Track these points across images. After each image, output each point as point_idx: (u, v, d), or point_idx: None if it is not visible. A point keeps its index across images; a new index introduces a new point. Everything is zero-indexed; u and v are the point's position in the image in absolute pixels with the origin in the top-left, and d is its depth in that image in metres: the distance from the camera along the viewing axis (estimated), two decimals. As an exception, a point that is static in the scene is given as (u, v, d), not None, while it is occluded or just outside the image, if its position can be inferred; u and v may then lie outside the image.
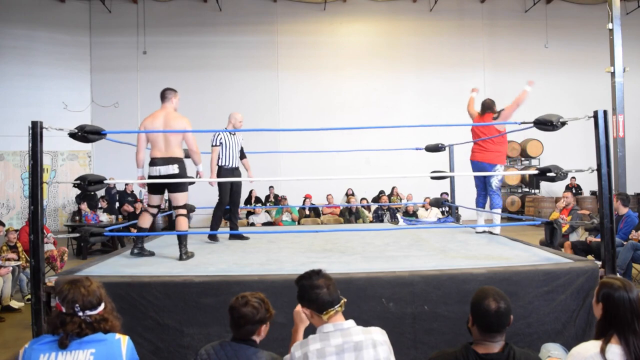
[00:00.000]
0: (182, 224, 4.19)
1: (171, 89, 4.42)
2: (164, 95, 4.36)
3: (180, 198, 4.26)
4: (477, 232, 5.39)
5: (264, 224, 11.11)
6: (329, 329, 1.99)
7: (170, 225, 6.90)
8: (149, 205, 4.43)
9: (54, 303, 3.20)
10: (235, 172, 5.34)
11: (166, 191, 4.38)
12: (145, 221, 4.38)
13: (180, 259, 4.05)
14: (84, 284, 1.92)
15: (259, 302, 2.02)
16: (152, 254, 4.32)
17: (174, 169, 4.14)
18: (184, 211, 4.24)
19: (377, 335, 2.00)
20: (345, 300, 2.07)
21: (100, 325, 1.89)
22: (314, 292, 2.01)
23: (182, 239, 4.10)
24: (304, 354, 1.95)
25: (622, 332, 1.89)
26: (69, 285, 1.92)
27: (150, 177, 4.22)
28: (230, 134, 5.29)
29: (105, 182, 3.76)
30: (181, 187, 4.25)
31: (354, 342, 1.94)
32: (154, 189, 4.33)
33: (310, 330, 2.10)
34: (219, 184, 5.24)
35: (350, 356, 1.92)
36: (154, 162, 4.20)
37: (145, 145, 4.28)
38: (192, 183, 4.72)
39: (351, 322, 2.03)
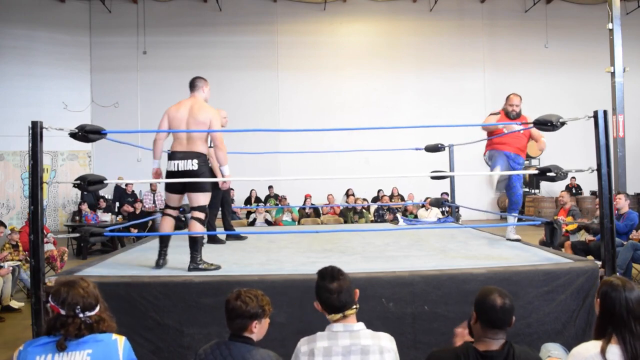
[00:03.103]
0: (196, 228, 3.68)
1: (202, 77, 3.94)
2: (193, 84, 3.89)
3: (199, 198, 3.72)
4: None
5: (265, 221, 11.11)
6: (339, 329, 2.01)
7: (174, 226, 6.82)
8: (167, 207, 3.89)
9: (49, 305, 3.22)
10: None
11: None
12: (168, 228, 3.86)
13: (196, 268, 3.55)
14: (82, 285, 1.91)
15: (253, 297, 2.01)
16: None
17: (193, 164, 3.65)
18: (200, 214, 3.70)
19: (385, 342, 2.01)
20: (357, 307, 2.07)
21: (98, 326, 1.88)
22: (325, 295, 2.04)
23: (196, 245, 3.60)
24: (311, 350, 1.97)
25: (619, 331, 1.91)
26: (67, 286, 1.90)
27: (168, 173, 3.74)
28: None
29: (105, 182, 3.73)
30: (201, 187, 3.71)
31: (361, 346, 1.95)
32: (172, 187, 3.79)
33: (320, 327, 2.10)
34: (216, 185, 5.15)
35: (356, 359, 1.94)
36: (172, 155, 3.72)
37: (165, 135, 3.82)
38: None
39: (361, 325, 2.04)
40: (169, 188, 3.81)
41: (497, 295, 1.92)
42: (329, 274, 2.07)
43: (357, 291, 2.11)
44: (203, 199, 3.74)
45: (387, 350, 1.98)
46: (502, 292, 1.94)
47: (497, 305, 1.89)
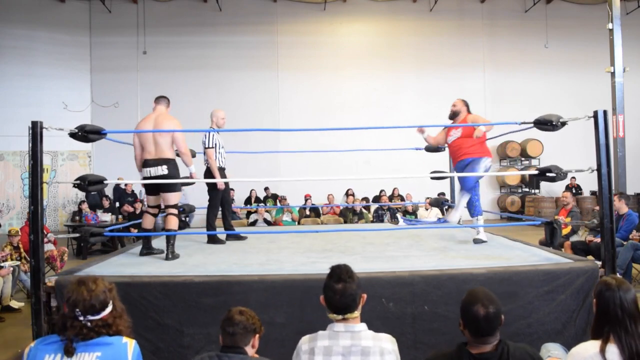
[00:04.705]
0: (172, 222, 4.26)
1: (167, 97, 4.55)
2: (159, 100, 4.48)
3: (171, 198, 4.32)
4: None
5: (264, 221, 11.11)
6: (340, 329, 2.00)
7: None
8: (148, 206, 4.52)
9: (54, 303, 3.22)
10: (225, 171, 5.34)
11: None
12: (148, 222, 4.51)
13: (167, 258, 4.10)
14: (89, 286, 1.83)
15: (250, 313, 2.03)
16: (160, 251, 4.35)
17: (163, 169, 4.21)
18: (174, 211, 4.33)
19: (387, 344, 1.99)
20: (359, 312, 2.06)
21: (102, 330, 1.82)
22: (328, 294, 2.03)
23: (170, 238, 4.17)
24: (311, 348, 1.97)
25: (614, 330, 1.92)
26: (74, 286, 1.84)
27: (144, 178, 4.30)
28: (217, 133, 5.26)
29: (105, 182, 3.75)
30: (172, 188, 4.30)
31: (362, 347, 1.94)
32: (149, 190, 4.45)
33: (320, 328, 2.10)
34: (215, 186, 5.16)
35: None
36: (145, 163, 4.28)
37: (139, 148, 4.36)
38: (191, 184, 4.75)
39: (363, 326, 2.03)
40: (148, 191, 4.47)
41: (480, 305, 1.86)
42: (337, 274, 2.05)
43: (365, 296, 2.09)
44: (175, 198, 4.34)
45: (388, 352, 1.96)
46: (486, 299, 1.88)
47: (481, 316, 1.85)
